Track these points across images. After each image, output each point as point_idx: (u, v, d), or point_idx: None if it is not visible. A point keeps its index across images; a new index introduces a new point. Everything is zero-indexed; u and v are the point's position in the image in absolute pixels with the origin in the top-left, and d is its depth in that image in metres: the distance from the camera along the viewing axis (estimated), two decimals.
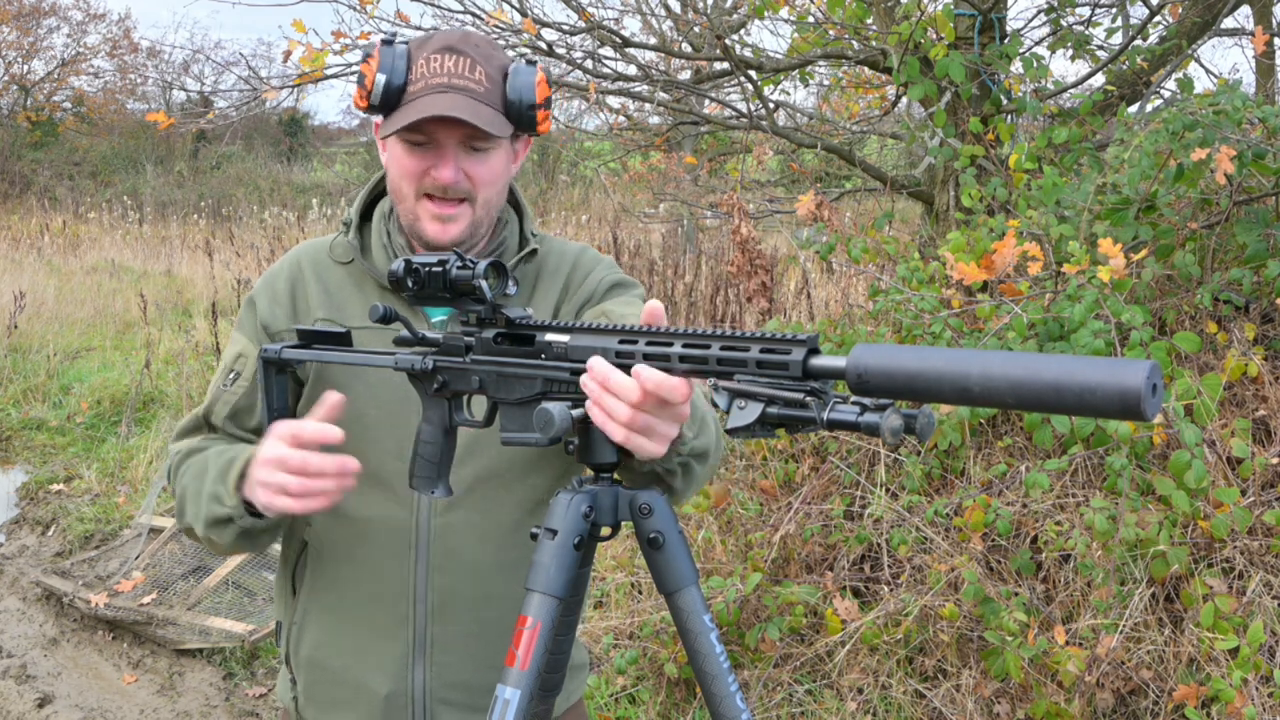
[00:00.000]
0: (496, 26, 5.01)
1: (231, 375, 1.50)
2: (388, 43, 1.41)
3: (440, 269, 1.23)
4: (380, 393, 1.44)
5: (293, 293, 1.52)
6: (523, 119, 1.42)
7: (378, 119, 1.46)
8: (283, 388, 1.43)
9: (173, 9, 39.94)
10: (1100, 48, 4.99)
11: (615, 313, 1.45)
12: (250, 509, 1.36)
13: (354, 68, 5.11)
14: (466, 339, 1.27)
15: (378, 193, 1.58)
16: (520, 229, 1.58)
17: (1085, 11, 5.20)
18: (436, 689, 1.48)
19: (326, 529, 1.51)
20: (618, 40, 5.22)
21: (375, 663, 1.48)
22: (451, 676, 1.49)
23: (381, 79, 1.38)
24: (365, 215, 1.58)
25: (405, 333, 1.29)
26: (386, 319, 1.23)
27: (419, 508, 1.46)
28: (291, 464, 1.26)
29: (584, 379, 1.09)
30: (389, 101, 1.39)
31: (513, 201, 1.59)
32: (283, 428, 1.29)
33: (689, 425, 1.24)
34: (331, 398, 1.32)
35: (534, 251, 1.55)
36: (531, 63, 1.44)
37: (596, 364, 1.07)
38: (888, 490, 3.44)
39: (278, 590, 1.61)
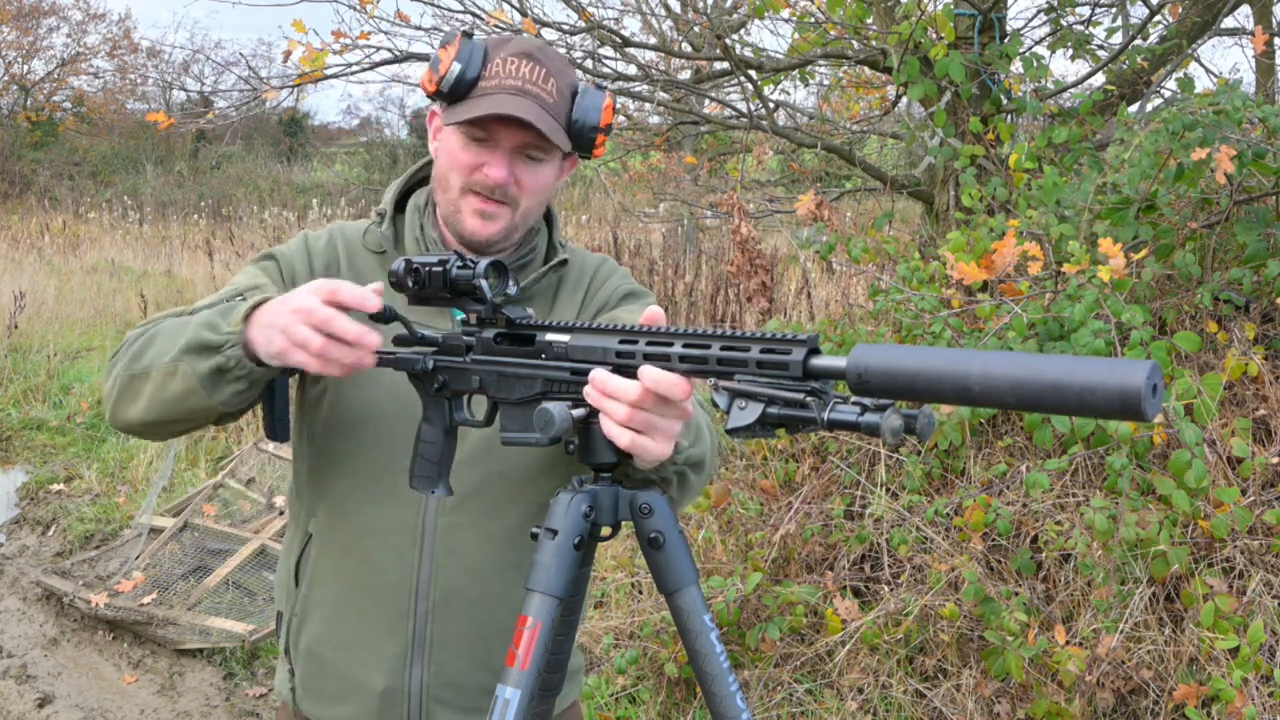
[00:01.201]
0: (497, 26, 5.01)
1: (240, 298, 1.41)
2: (468, 35, 1.42)
3: (441, 269, 1.23)
4: (396, 387, 1.44)
5: (327, 272, 1.51)
6: (583, 139, 1.44)
7: (436, 106, 1.46)
8: (284, 382, 1.43)
9: (173, 9, 39.96)
10: (1100, 47, 4.99)
11: (624, 320, 1.45)
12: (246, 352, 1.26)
13: (354, 67, 5.11)
14: (466, 339, 1.27)
15: (411, 184, 1.59)
16: (550, 239, 1.59)
17: (1085, 11, 5.20)
18: (433, 687, 1.48)
19: (331, 520, 1.51)
20: (618, 40, 5.22)
21: (373, 658, 1.48)
22: (448, 676, 1.49)
23: (457, 68, 1.39)
24: (399, 206, 1.58)
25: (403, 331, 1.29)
26: (385, 318, 1.23)
27: (426, 505, 1.46)
28: (317, 318, 1.17)
29: (586, 390, 1.10)
30: (458, 91, 1.40)
31: (545, 211, 1.59)
32: (319, 284, 1.20)
33: (684, 434, 1.24)
34: (374, 285, 1.25)
35: (564, 261, 1.55)
36: (600, 88, 1.46)
37: (596, 374, 1.09)
38: (888, 490, 3.44)
39: (279, 581, 1.60)
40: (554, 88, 1.42)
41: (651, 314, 1.09)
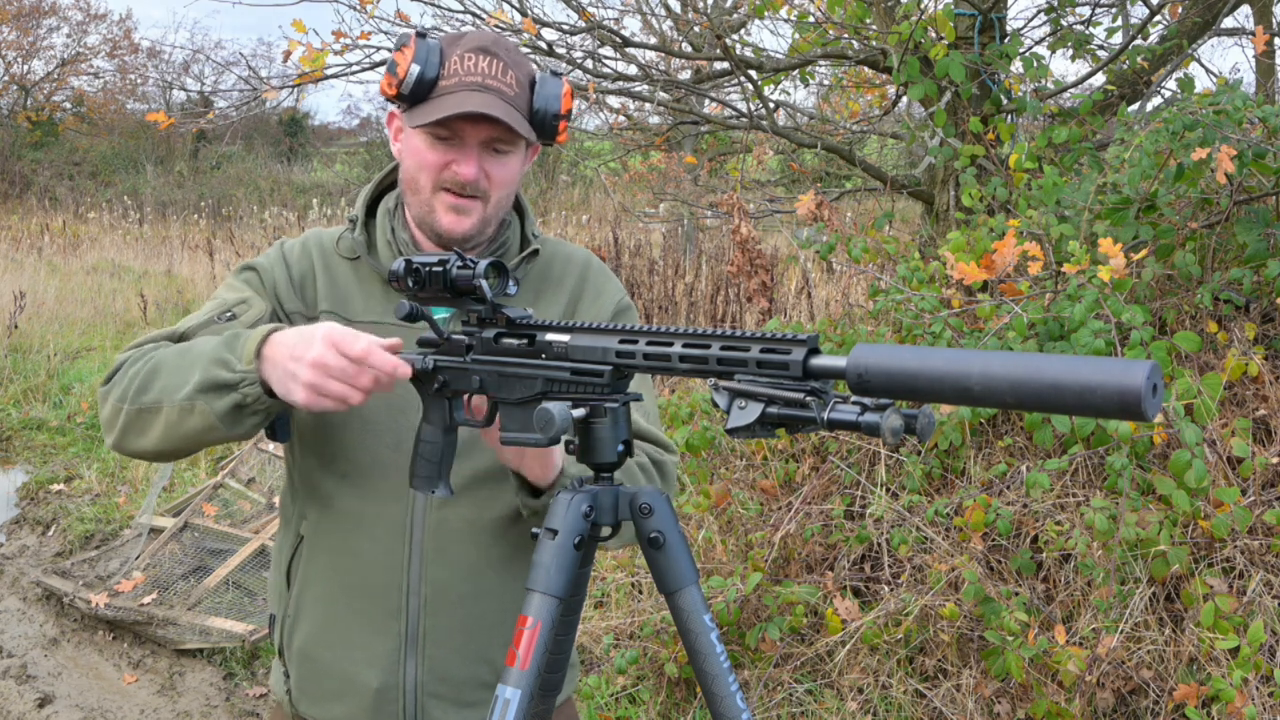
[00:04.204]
0: (497, 26, 5.00)
1: (228, 314, 1.44)
2: (422, 35, 1.42)
3: (441, 269, 1.23)
4: None
5: (303, 281, 1.53)
6: (545, 127, 1.46)
7: (394, 109, 1.47)
8: None
9: (173, 9, 39.98)
10: (1100, 47, 4.98)
11: None
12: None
13: (354, 67, 5.11)
14: (467, 339, 1.27)
15: (381, 189, 1.59)
16: (522, 230, 1.60)
17: (1085, 11, 5.20)
18: (427, 683, 1.49)
19: (322, 521, 1.52)
20: (618, 40, 5.21)
21: (366, 655, 1.49)
22: (441, 670, 1.50)
23: (416, 69, 1.40)
24: (370, 212, 1.59)
25: (429, 333, 1.28)
26: (413, 317, 1.23)
27: (413, 502, 1.47)
28: (362, 382, 1.23)
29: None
30: (419, 93, 1.41)
31: (515, 203, 1.60)
32: (336, 332, 1.23)
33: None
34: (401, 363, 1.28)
35: (535, 252, 1.56)
36: (557, 74, 1.47)
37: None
38: (888, 490, 3.44)
39: (272, 583, 1.62)
40: (513, 80, 1.43)
41: None
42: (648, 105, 6.56)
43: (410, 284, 1.25)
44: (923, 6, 4.25)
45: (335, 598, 1.51)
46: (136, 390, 1.33)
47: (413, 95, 1.41)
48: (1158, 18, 4.60)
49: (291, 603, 1.55)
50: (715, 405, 0.99)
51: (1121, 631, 2.76)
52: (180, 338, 1.42)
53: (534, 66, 1.49)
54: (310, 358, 1.22)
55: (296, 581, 1.55)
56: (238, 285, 1.51)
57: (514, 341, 1.22)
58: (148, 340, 1.43)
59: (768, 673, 3.18)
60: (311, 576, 1.53)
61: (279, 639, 1.58)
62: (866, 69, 5.63)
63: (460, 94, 1.39)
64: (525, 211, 1.61)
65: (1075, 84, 5.13)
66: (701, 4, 7.51)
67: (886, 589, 3.21)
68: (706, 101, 6.75)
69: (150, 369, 1.34)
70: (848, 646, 3.11)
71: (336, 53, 4.85)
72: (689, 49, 6.83)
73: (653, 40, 7.20)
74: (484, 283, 1.21)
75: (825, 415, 0.93)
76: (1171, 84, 4.73)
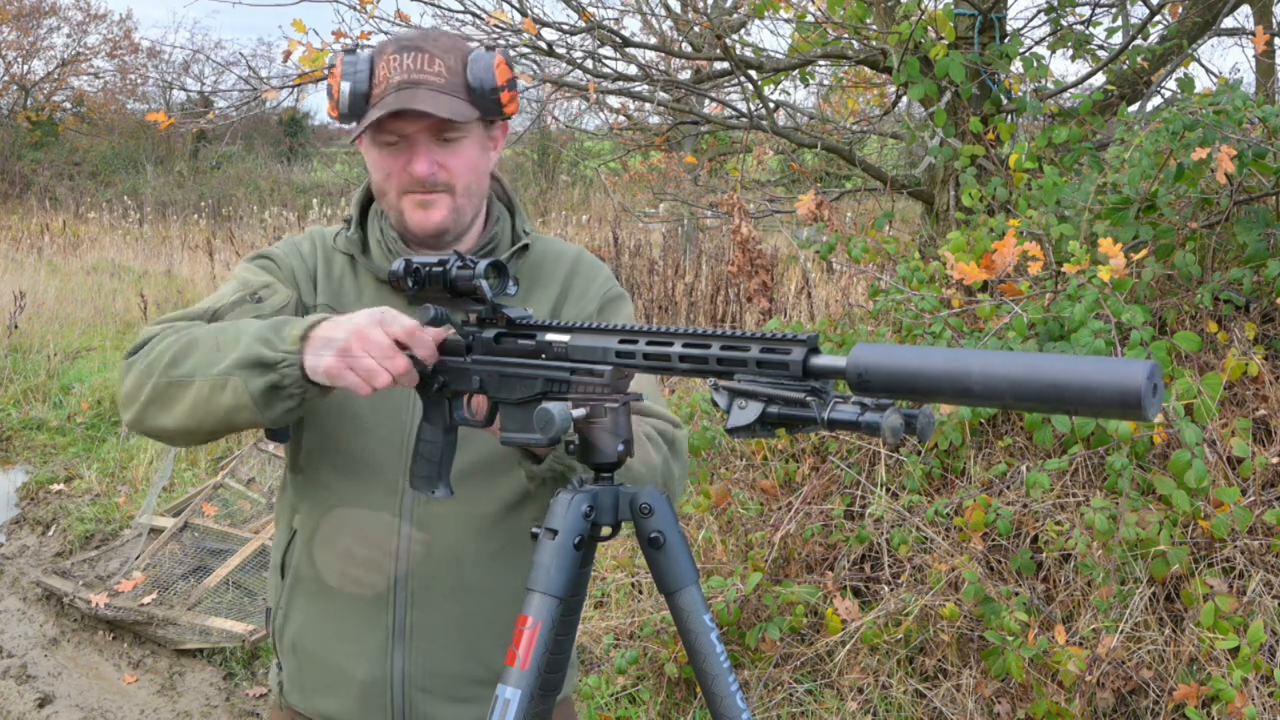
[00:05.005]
0: (497, 26, 5.00)
1: (254, 296, 1.44)
2: (350, 52, 1.44)
3: (440, 269, 1.23)
4: None
5: (314, 272, 1.54)
6: (487, 103, 1.45)
7: (351, 126, 1.48)
8: None
9: (173, 9, 40.00)
10: (1100, 47, 4.98)
11: None
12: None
13: None
14: (466, 339, 1.27)
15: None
16: (513, 226, 1.60)
17: (1085, 11, 5.20)
18: (415, 676, 1.50)
19: (314, 514, 1.53)
20: (618, 40, 5.21)
21: (356, 649, 1.50)
22: (430, 665, 1.50)
23: (346, 87, 1.42)
24: (364, 211, 1.60)
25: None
26: (438, 321, 1.24)
27: (403, 495, 1.48)
28: (399, 366, 1.23)
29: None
30: (356, 108, 1.43)
31: (505, 199, 1.60)
32: (394, 320, 1.24)
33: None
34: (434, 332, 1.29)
35: (525, 247, 1.57)
36: (490, 48, 1.46)
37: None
38: (888, 490, 3.43)
39: (270, 577, 1.63)
40: (441, 68, 1.42)
41: None
42: (648, 105, 6.57)
43: (410, 284, 1.25)
44: (923, 6, 4.25)
45: (326, 591, 1.52)
46: (169, 363, 1.31)
47: (352, 111, 1.43)
48: (1158, 18, 4.60)
49: (284, 595, 1.57)
50: (715, 405, 0.99)
51: (1121, 631, 2.76)
52: (212, 317, 1.41)
53: (470, 48, 1.48)
54: (353, 326, 1.22)
55: (289, 574, 1.56)
56: (257, 270, 1.52)
57: (514, 341, 1.22)
58: (177, 318, 1.41)
59: (768, 673, 3.18)
60: (303, 569, 1.54)
61: (273, 632, 1.60)
62: (866, 69, 5.63)
63: (387, 97, 1.40)
64: (515, 208, 1.61)
65: (1075, 84, 5.14)
66: (701, 4, 7.51)
67: (886, 589, 3.21)
68: (706, 101, 6.75)
69: (186, 343, 1.32)
70: (848, 646, 3.11)
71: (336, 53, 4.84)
72: (689, 49, 6.83)
73: (653, 40, 7.21)
74: (484, 283, 1.21)
75: (825, 415, 0.93)
76: (1171, 84, 4.74)
